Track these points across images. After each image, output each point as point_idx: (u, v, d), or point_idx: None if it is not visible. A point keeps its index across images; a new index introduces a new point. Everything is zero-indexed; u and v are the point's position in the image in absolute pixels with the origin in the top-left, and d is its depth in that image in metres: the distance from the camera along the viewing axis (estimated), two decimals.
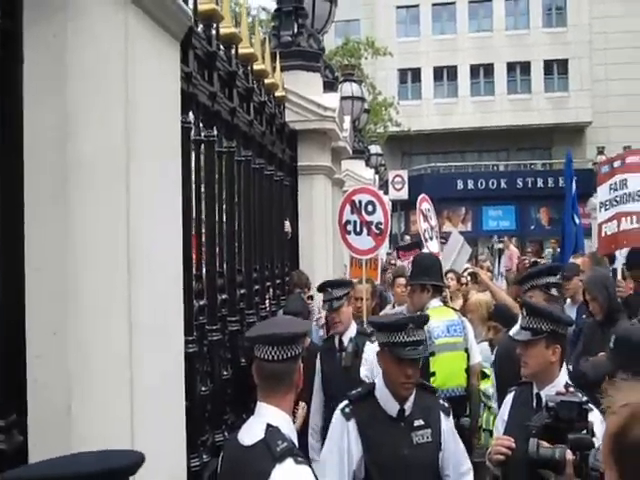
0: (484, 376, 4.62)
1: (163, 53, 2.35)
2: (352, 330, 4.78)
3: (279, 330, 2.61)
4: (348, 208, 6.74)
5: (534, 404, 3.14)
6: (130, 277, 1.96)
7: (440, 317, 5.14)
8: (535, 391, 3.19)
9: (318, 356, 4.84)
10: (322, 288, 4.92)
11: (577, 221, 9.02)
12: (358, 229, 6.68)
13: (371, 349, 4.58)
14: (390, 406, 3.17)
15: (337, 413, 3.19)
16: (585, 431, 2.71)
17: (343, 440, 3.10)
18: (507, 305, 5.19)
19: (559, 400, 2.83)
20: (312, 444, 4.68)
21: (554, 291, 4.53)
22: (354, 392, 3.30)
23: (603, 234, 6.42)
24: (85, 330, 1.79)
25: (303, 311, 4.98)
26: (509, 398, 3.37)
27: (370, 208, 6.69)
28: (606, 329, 4.88)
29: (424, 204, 7.82)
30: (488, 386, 4.50)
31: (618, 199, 6.22)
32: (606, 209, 6.36)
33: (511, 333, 3.87)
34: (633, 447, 1.50)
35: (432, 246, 7.43)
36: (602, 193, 6.48)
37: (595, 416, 2.81)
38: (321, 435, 4.66)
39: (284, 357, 2.53)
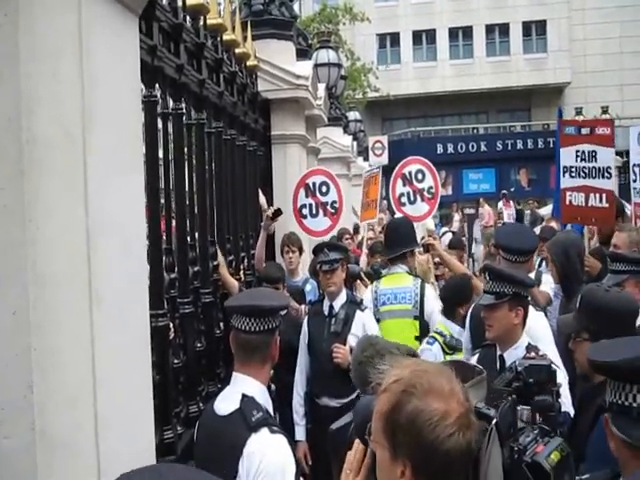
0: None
1: (120, 28, 2.33)
2: (342, 297, 4.74)
3: (258, 302, 2.65)
4: (302, 192, 6.59)
5: (498, 365, 3.21)
6: (90, 256, 1.97)
7: (391, 284, 5.21)
8: (499, 353, 3.27)
9: (305, 319, 4.85)
10: (319, 249, 4.84)
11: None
12: (314, 211, 6.56)
13: (361, 317, 4.65)
14: None
15: None
16: (554, 393, 2.78)
17: None
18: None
19: (527, 364, 2.89)
20: (296, 408, 4.69)
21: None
22: None
23: (567, 202, 6.05)
24: (45, 309, 1.82)
25: (280, 276, 5.03)
26: (474, 360, 3.44)
27: (324, 189, 6.57)
28: (566, 295, 4.84)
29: (410, 167, 7.28)
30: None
31: (587, 171, 5.89)
32: (572, 176, 6.00)
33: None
34: (407, 422, 1.47)
35: (410, 210, 7.05)
36: (566, 156, 6.06)
37: (560, 377, 2.88)
38: (304, 399, 4.70)
39: (261, 329, 2.59)
